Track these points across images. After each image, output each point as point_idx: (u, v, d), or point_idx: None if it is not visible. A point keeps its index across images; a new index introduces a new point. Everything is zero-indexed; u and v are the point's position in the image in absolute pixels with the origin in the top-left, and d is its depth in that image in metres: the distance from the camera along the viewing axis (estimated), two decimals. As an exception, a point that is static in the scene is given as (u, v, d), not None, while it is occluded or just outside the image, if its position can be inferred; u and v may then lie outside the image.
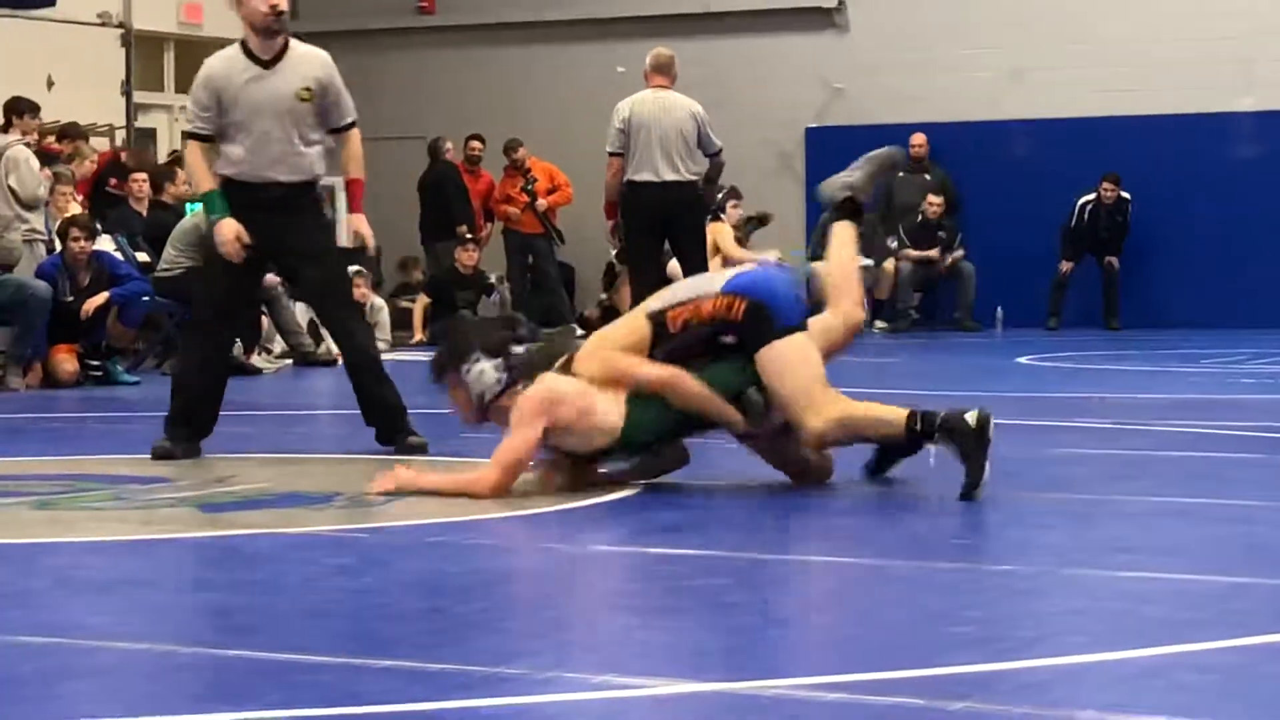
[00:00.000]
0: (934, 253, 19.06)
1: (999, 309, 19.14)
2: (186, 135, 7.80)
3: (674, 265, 13.18)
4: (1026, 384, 12.43)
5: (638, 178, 12.24)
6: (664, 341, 6.63)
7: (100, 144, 17.27)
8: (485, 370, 6.60)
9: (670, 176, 12.24)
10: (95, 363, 12.82)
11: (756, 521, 6.26)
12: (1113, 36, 18.95)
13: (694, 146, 12.33)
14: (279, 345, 14.77)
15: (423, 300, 17.83)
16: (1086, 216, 18.55)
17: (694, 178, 12.34)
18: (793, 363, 6.51)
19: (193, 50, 21.04)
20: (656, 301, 6.74)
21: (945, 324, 19.12)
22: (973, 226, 19.34)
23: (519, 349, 6.65)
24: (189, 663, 4.08)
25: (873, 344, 16.96)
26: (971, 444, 6.36)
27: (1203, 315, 18.41)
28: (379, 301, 16.72)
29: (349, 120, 8.10)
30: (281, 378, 13.75)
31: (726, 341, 6.63)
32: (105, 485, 7.04)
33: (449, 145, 19.08)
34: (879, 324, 18.82)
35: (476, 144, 19.48)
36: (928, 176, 19.17)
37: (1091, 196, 18.47)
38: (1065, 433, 8.92)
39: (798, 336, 6.55)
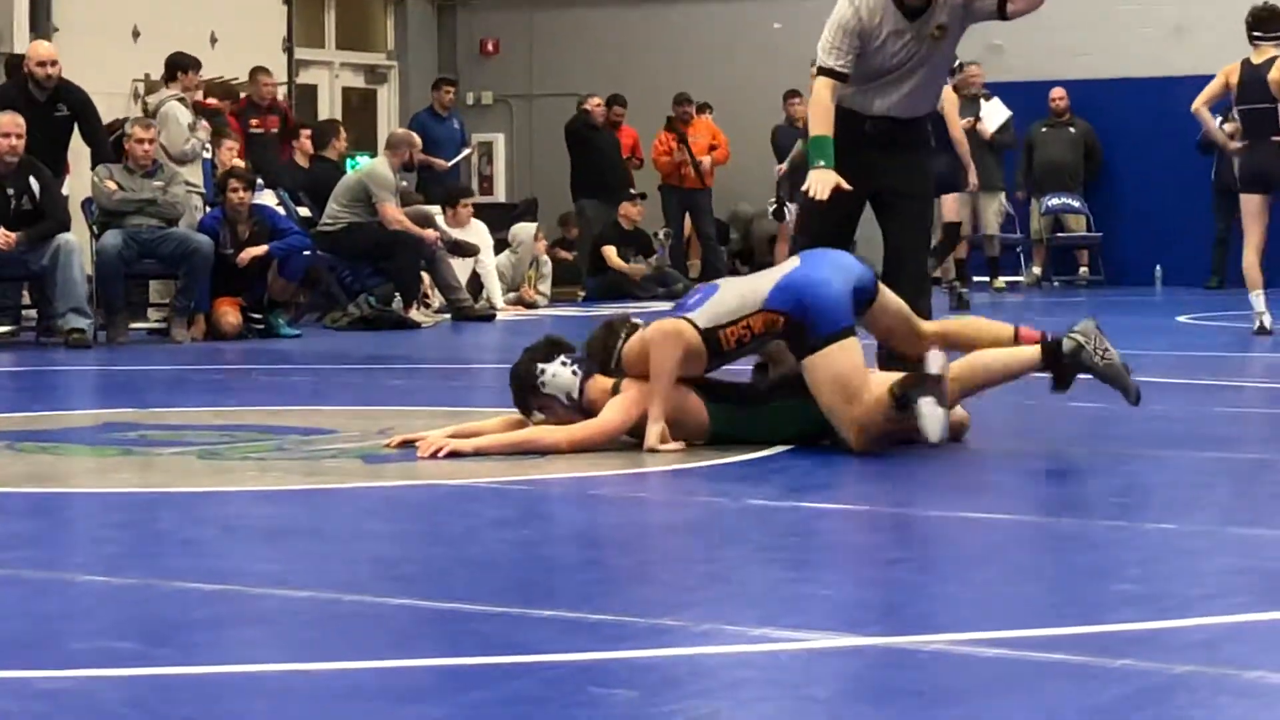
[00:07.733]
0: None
1: (1158, 267, 18.92)
2: (822, 70, 7.40)
3: None
4: (1187, 343, 12.28)
5: None
6: (721, 359, 6.66)
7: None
8: (557, 371, 6.66)
9: None
10: (257, 316, 13.00)
11: (911, 478, 6.24)
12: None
13: None
14: (438, 299, 14.88)
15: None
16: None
17: None
18: (825, 378, 6.45)
19: (352, 7, 21.21)
20: (703, 316, 6.60)
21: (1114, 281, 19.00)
22: (1132, 184, 19.11)
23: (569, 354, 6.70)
24: (351, 611, 4.14)
25: (1039, 300, 16.84)
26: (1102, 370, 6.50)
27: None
28: (545, 257, 16.78)
29: None
30: (440, 332, 13.86)
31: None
32: (269, 436, 7.15)
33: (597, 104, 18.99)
34: (1056, 279, 18.96)
35: (615, 108, 19.24)
36: (1071, 130, 18.96)
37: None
38: (1228, 392, 8.81)
39: (832, 347, 6.45)
